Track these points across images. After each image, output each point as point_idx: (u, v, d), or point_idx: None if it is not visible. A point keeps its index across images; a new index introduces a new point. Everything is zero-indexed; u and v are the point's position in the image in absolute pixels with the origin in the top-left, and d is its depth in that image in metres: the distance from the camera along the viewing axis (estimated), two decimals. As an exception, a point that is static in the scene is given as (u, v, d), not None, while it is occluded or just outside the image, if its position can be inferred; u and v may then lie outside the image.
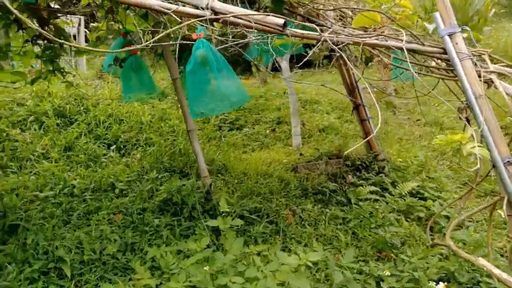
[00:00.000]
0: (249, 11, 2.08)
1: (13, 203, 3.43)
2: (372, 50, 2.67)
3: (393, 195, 4.72)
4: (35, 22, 3.76)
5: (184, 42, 3.20)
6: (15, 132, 5.14)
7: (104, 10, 4.06)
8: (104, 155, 5.15)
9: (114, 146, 5.39)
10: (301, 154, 5.86)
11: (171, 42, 3.23)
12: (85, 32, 9.14)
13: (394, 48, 2.27)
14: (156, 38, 1.98)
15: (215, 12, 2.12)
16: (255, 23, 2.06)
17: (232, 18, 2.10)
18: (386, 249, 3.49)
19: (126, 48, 2.28)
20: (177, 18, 2.15)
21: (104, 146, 5.39)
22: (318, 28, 2.32)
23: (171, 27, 3.86)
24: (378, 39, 2.33)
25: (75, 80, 6.91)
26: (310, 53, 2.47)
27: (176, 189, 3.95)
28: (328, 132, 7.64)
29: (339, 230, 3.99)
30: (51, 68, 4.09)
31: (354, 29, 2.93)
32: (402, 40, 2.19)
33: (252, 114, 8.40)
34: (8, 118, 5.36)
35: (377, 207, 4.35)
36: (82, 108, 6.12)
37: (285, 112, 8.12)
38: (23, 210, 3.40)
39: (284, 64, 6.91)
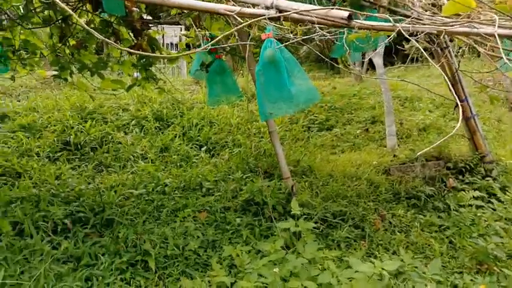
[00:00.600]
0: (313, 7, 1.97)
1: (111, 199, 3.76)
2: (465, 40, 2.36)
3: (502, 202, 4.15)
4: (130, 34, 4.10)
5: (250, 43, 3.20)
6: (119, 135, 5.66)
7: (190, 19, 4.26)
8: (195, 155, 5.40)
9: (205, 147, 5.63)
10: (394, 155, 5.48)
11: (238, 43, 3.24)
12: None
13: (486, 35, 1.97)
14: (214, 40, 1.99)
15: (280, 11, 2.06)
16: (318, 18, 1.95)
17: (295, 15, 2.02)
18: (488, 262, 3.06)
19: (197, 50, 2.33)
20: (240, 20, 2.13)
21: (195, 147, 5.66)
22: (391, 18, 2.12)
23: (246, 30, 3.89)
24: (464, 26, 2.04)
25: (175, 85, 7.43)
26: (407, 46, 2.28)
27: (258, 190, 3.96)
28: (429, 131, 7.06)
29: (434, 239, 3.63)
30: (145, 76, 4.39)
31: (443, 17, 2.63)
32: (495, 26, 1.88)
33: (344, 113, 8.14)
34: (114, 122, 5.92)
35: (480, 214, 3.86)
36: (178, 112, 6.51)
37: (380, 111, 7.70)
38: (119, 206, 3.71)
39: (376, 60, 6.55)
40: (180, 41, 6.17)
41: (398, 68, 11.73)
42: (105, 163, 4.98)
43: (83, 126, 5.48)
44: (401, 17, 2.61)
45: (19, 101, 6.40)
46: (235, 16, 2.03)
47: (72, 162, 4.85)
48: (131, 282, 2.80)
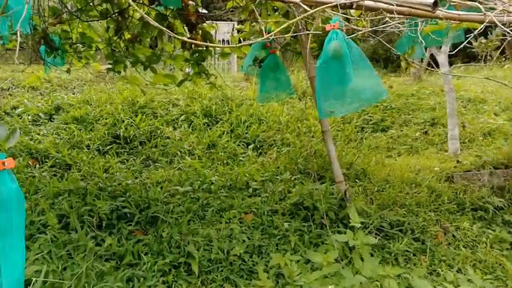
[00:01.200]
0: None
1: (156, 195, 3.67)
2: None
3: None
4: (184, 27, 4.00)
5: (315, 32, 2.95)
6: (168, 130, 5.61)
7: (246, 12, 4.08)
8: (242, 153, 5.23)
9: (252, 145, 5.45)
10: (458, 161, 5.02)
11: (297, 33, 3.01)
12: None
13: None
14: (277, 30, 1.77)
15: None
16: (397, 6, 1.69)
17: (370, 3, 1.76)
18: None
19: (247, 43, 2.13)
20: (307, 8, 1.90)
21: (243, 144, 5.50)
22: (482, 7, 1.81)
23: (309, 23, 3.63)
24: None
25: (226, 81, 7.32)
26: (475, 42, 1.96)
27: (308, 193, 3.72)
28: (494, 136, 6.45)
29: (505, 257, 3.21)
30: (197, 70, 4.27)
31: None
32: None
33: (401, 114, 7.66)
34: (163, 117, 5.89)
35: None
36: (227, 108, 6.38)
37: (441, 113, 7.17)
38: (164, 203, 3.61)
39: (442, 57, 6.05)
40: (232, 36, 6.03)
41: (459, 67, 10.99)
42: (152, 158, 4.94)
43: (133, 120, 5.48)
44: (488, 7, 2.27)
45: (74, 94, 6.55)
46: (300, 3, 1.81)
47: (121, 155, 4.85)
48: (173, 286, 2.66)
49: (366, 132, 6.73)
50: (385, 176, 4.66)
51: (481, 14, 1.77)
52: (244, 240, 3.13)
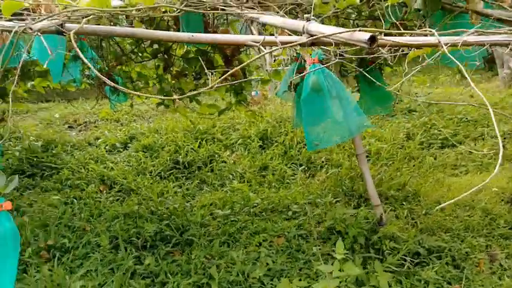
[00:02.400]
0: (340, 29, 1.79)
1: (198, 218, 3.99)
2: None
3: None
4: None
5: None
6: (225, 154, 5.98)
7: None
8: (292, 175, 5.36)
9: (303, 166, 5.55)
10: (526, 180, 4.56)
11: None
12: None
13: None
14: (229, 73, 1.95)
15: (311, 35, 1.93)
16: (344, 41, 1.78)
17: (324, 39, 1.87)
18: None
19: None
20: (274, 48, 2.06)
21: (294, 166, 5.63)
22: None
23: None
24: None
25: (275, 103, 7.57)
26: None
27: (341, 218, 3.73)
28: None
29: (556, 293, 2.89)
30: (237, 99, 4.57)
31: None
32: None
33: (477, 127, 7.10)
34: (223, 142, 6.29)
35: None
36: (283, 130, 6.58)
37: (524, 124, 6.53)
38: (203, 226, 3.92)
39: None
40: (274, 61, 6.25)
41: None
42: (207, 181, 5.32)
43: (193, 146, 5.95)
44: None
45: (148, 123, 7.30)
46: (261, 47, 1.98)
47: (179, 180, 5.31)
48: (194, 304, 2.92)
49: (433, 148, 6.38)
50: (438, 198, 4.43)
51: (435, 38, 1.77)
52: (267, 263, 3.28)
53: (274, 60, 5.30)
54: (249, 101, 4.74)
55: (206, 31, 3.73)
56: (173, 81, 4.50)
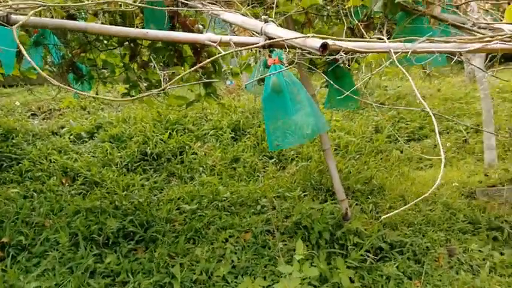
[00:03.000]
0: (295, 34, 1.75)
1: (163, 214, 3.93)
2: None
3: None
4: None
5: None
6: (197, 145, 5.89)
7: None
8: (263, 168, 5.35)
9: (274, 159, 5.54)
10: (486, 175, 4.70)
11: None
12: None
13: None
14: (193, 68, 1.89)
15: (269, 38, 1.89)
16: (298, 47, 1.75)
17: (281, 43, 1.84)
18: None
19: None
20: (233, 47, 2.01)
21: (265, 158, 5.61)
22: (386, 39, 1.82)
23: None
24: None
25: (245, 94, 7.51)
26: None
27: (308, 212, 3.75)
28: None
29: (507, 285, 3.00)
30: (207, 91, 4.48)
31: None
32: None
33: (443, 121, 7.26)
34: (194, 132, 6.19)
35: None
36: (256, 121, 6.53)
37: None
38: (169, 221, 3.86)
39: (477, 61, 5.67)
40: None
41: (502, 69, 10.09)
42: (176, 174, 5.24)
43: (163, 137, 5.84)
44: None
45: (118, 112, 7.10)
46: (217, 47, 1.92)
47: (147, 172, 5.20)
48: (156, 304, 2.88)
49: (399, 142, 6.49)
50: (402, 192, 4.52)
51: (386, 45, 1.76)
52: (233, 261, 3.26)
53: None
54: (223, 90, 4.65)
55: (172, 22, 3.62)
56: (139, 71, 4.36)
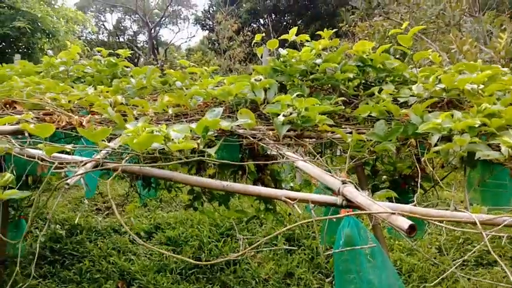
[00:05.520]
0: (376, 207, 1.76)
1: None
2: None
3: None
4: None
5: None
6: (250, 254, 5.82)
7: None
8: (319, 286, 5.10)
9: (331, 277, 5.30)
10: None
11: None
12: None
13: None
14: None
15: (347, 200, 1.93)
16: (380, 218, 1.75)
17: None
18: None
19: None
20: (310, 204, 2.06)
21: (321, 276, 5.38)
22: None
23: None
24: None
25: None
26: None
27: None
28: None
29: None
30: (267, 207, 4.55)
31: None
32: None
33: (514, 245, 6.71)
34: (249, 240, 6.15)
35: None
36: (310, 232, 6.41)
37: None
38: None
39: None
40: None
41: None
42: (229, 285, 5.13)
43: (217, 244, 5.85)
44: None
45: (176, 211, 7.31)
46: (291, 203, 1.98)
47: (200, 281, 5.15)
48: None
49: (467, 267, 6.01)
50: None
51: None
52: None
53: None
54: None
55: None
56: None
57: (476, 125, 2.19)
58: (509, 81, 2.73)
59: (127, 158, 2.19)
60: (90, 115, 2.97)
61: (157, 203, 7.71)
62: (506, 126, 2.28)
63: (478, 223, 1.68)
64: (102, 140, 2.18)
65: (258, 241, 5.40)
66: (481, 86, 2.67)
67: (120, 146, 2.32)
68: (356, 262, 2.08)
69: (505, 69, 3.00)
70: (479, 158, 2.14)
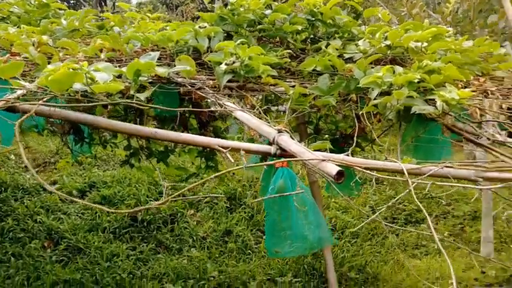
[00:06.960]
0: (307, 154, 1.70)
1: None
2: None
3: None
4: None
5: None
6: (189, 213, 5.74)
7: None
8: (256, 244, 5.15)
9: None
10: (483, 272, 4.55)
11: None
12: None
13: None
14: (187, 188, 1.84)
15: (281, 149, 1.86)
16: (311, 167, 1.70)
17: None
18: None
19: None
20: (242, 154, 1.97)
21: (259, 233, 5.44)
22: None
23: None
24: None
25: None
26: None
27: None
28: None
29: None
30: (208, 164, 4.43)
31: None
32: None
33: (440, 205, 7.18)
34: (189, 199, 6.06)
35: None
36: (253, 191, 6.42)
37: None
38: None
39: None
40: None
41: None
42: (165, 243, 5.04)
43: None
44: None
45: (113, 169, 6.98)
46: (227, 154, 1.88)
47: (134, 240, 5.01)
48: None
49: (397, 223, 6.36)
50: (397, 284, 4.34)
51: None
52: None
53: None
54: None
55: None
56: (142, 140, 4.33)
57: (416, 80, 2.17)
58: (452, 42, 2.75)
59: (44, 99, 1.94)
60: (8, 55, 2.63)
61: (94, 160, 7.31)
62: (444, 83, 2.29)
63: (405, 172, 1.68)
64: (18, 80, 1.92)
65: (196, 197, 5.26)
66: (425, 44, 2.67)
67: (39, 88, 2.06)
68: (287, 212, 2.06)
69: (450, 28, 3.02)
70: (415, 112, 2.14)
